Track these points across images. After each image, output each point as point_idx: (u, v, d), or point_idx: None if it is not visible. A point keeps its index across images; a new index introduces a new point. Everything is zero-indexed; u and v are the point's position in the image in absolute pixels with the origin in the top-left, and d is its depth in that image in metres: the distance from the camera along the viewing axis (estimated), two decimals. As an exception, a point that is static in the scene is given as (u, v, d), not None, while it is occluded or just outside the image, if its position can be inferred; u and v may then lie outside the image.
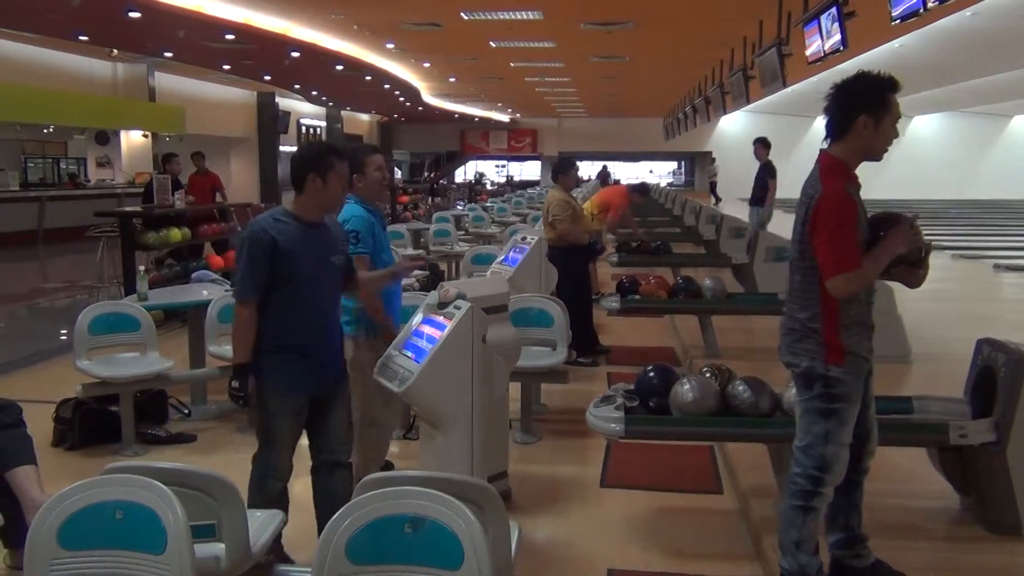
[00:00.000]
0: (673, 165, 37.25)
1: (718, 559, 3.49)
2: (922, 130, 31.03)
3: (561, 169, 7.03)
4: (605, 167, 12.17)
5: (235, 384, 3.08)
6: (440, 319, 3.54)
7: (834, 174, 2.74)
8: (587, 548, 3.65)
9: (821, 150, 2.86)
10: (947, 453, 3.55)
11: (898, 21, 7.03)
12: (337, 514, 2.15)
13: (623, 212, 9.66)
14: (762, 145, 11.22)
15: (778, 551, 2.94)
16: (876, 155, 2.80)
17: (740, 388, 3.58)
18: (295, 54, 14.27)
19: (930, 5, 6.41)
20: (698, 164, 35.21)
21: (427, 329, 3.55)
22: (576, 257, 6.76)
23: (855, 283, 2.70)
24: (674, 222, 15.56)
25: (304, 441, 3.22)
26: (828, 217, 2.67)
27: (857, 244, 2.70)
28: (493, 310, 3.75)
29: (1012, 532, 3.34)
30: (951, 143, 30.56)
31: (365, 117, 32.56)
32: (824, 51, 8.63)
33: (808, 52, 9.04)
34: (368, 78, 18.12)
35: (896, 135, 2.79)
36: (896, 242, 2.77)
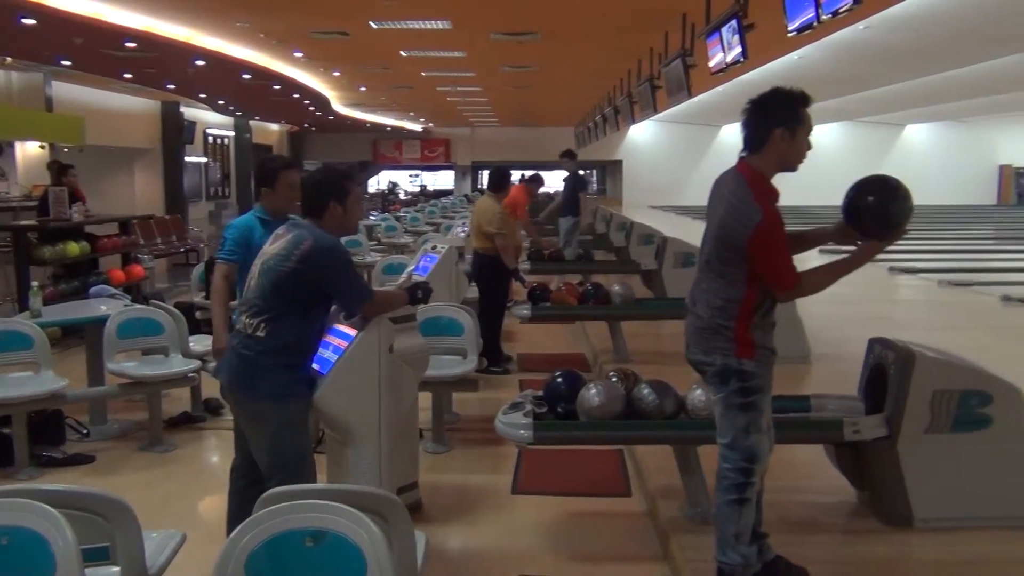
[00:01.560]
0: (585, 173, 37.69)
1: (627, 561, 3.54)
2: (823, 139, 32.14)
3: (498, 179, 7.06)
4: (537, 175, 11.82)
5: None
6: (346, 329, 3.51)
7: (765, 196, 2.85)
8: (498, 555, 3.66)
9: (741, 158, 2.96)
10: (843, 449, 3.68)
11: (795, 33, 7.26)
12: (236, 530, 2.11)
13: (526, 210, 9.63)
14: (569, 158, 11.24)
15: (716, 547, 3.00)
16: (792, 167, 2.93)
17: (645, 391, 3.64)
18: (200, 63, 13.94)
19: (823, 18, 6.64)
20: (609, 172, 35.71)
21: (333, 339, 3.51)
22: (503, 266, 6.80)
23: (805, 293, 2.91)
24: (587, 230, 15.75)
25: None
26: (773, 243, 2.82)
27: (791, 259, 2.87)
28: (401, 319, 3.73)
29: (904, 523, 3.48)
30: (850, 151, 31.73)
31: (274, 127, 32.02)
32: (726, 62, 8.84)
33: (711, 63, 9.26)
34: (276, 87, 17.81)
35: (810, 147, 2.92)
36: (858, 264, 2.94)
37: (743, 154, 2.94)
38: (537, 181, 9.73)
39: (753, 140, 2.89)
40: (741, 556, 2.95)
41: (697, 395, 3.60)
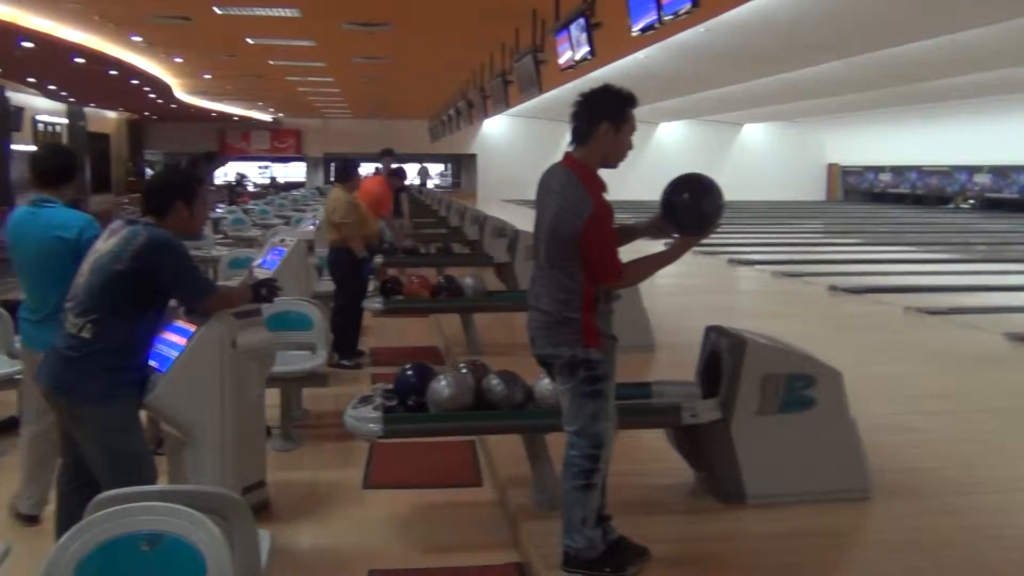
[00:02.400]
0: (440, 167, 37.69)
1: (477, 550, 3.58)
2: (668, 136, 33.41)
3: (346, 170, 6.93)
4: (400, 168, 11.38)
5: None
6: (186, 325, 3.38)
7: (595, 187, 2.95)
8: (349, 551, 3.62)
9: (567, 153, 3.05)
10: (681, 432, 3.85)
11: (639, 33, 7.51)
12: (65, 536, 2.01)
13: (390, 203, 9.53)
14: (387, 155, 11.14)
15: (563, 532, 3.07)
16: (613, 163, 3.02)
17: (494, 382, 3.69)
18: (27, 44, 13.08)
19: (665, 19, 6.89)
20: (464, 166, 35.86)
21: (172, 336, 3.38)
22: (357, 259, 6.69)
23: (627, 284, 3.04)
24: (440, 223, 15.76)
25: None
26: (602, 233, 2.91)
27: (617, 250, 2.97)
28: (245, 314, 3.63)
29: (737, 500, 3.67)
30: (693, 148, 33.11)
31: (112, 114, 30.42)
32: (575, 59, 9.05)
33: (561, 60, 9.45)
34: (113, 73, 16.93)
35: (631, 147, 3.03)
36: (674, 257, 3.08)
37: (570, 148, 3.03)
38: (400, 174, 9.63)
39: (580, 133, 2.99)
40: (587, 539, 3.05)
41: (544, 384, 3.68)
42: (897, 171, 31.24)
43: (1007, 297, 9.86)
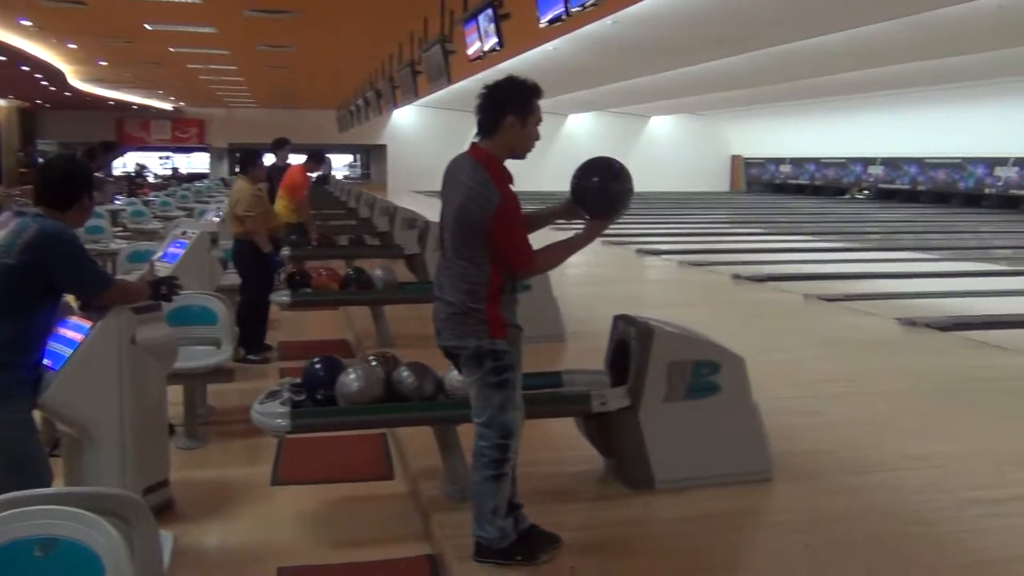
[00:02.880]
0: (349, 158, 37.21)
1: (389, 543, 3.55)
2: (576, 127, 33.71)
3: (250, 161, 6.73)
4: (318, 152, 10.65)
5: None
6: (81, 320, 3.25)
7: (502, 178, 2.95)
8: (257, 549, 3.55)
9: (473, 143, 3.05)
10: (591, 420, 3.89)
11: (547, 24, 7.55)
12: (-51, 546, 1.90)
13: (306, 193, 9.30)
14: (279, 147, 10.84)
15: (474, 523, 3.09)
16: (520, 154, 3.03)
17: (404, 374, 3.66)
18: (-97, 26, 12.36)
19: (572, 11, 6.95)
20: (373, 156, 35.47)
21: (66, 332, 3.24)
22: (261, 250, 6.53)
23: (541, 270, 3.11)
24: (350, 214, 15.56)
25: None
26: (510, 223, 2.92)
27: (527, 238, 2.99)
28: (144, 309, 3.51)
29: (646, 486, 3.73)
30: (601, 139, 33.46)
31: (1, 103, 28.99)
32: (484, 50, 9.04)
33: (469, 51, 9.43)
34: (0, 59, 16.14)
35: (538, 137, 3.03)
36: (586, 242, 3.11)
37: (475, 139, 3.03)
38: (317, 159, 9.35)
39: (486, 125, 2.99)
40: (498, 529, 3.06)
41: (455, 376, 3.66)
42: (796, 163, 32.26)
43: (899, 284, 10.30)
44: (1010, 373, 5.99)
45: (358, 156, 37.12)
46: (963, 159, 24.88)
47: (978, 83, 21.99)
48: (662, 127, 35.47)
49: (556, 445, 4.27)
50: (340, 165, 36.13)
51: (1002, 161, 23.82)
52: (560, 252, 3.09)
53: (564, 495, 3.77)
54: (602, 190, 3.11)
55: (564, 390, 3.89)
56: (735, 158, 35.90)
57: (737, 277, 10.46)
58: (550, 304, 6.73)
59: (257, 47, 15.48)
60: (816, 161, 31.17)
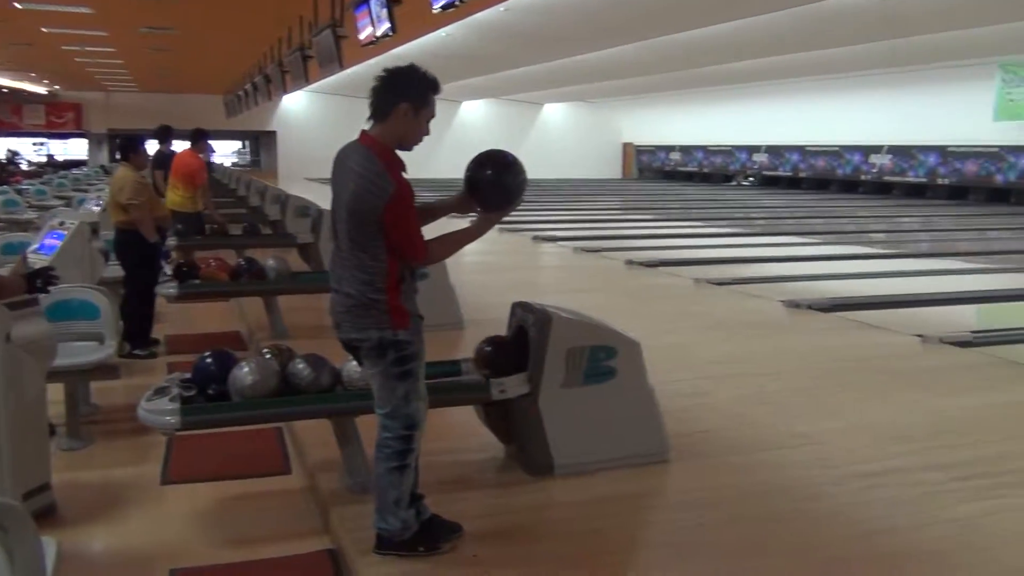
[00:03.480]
0: (237, 144, 36.20)
1: (287, 539, 3.47)
2: (470, 115, 33.68)
3: (132, 147, 6.42)
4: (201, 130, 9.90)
5: None
6: (-52, 319, 3.05)
7: (394, 166, 2.89)
8: (147, 551, 3.41)
9: (363, 131, 2.98)
10: (491, 408, 3.90)
11: (439, 11, 7.50)
12: None
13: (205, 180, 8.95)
14: (161, 138, 10.39)
15: (375, 515, 3.05)
16: (408, 145, 2.95)
17: (300, 366, 3.58)
18: None
19: (465, -3, 6.93)
20: (263, 143, 34.60)
21: (-68, 331, 3.04)
22: (146, 241, 6.26)
23: (434, 261, 3.05)
24: (239, 203, 15.13)
25: None
26: (404, 213, 2.87)
27: (420, 228, 2.94)
28: (19, 304, 3.32)
29: (547, 472, 3.76)
30: (495, 127, 33.56)
31: None
32: (376, 35, 8.92)
33: (361, 36, 9.29)
34: None
35: (428, 132, 2.98)
36: (479, 233, 3.08)
37: (366, 126, 2.97)
38: (203, 136, 8.95)
39: (379, 109, 2.91)
40: (400, 521, 3.03)
41: (352, 366, 3.61)
42: (685, 150, 33.07)
43: (783, 267, 10.70)
44: (887, 351, 6.29)
45: (247, 142, 36.16)
46: (841, 147, 26.02)
47: (855, 74, 23.00)
48: (555, 115, 35.79)
49: (456, 434, 4.26)
50: (228, 152, 35.16)
51: (876, 149, 25.01)
52: (453, 243, 3.06)
53: (465, 483, 3.77)
54: (496, 182, 3.07)
55: (464, 378, 3.88)
56: (627, 145, 36.56)
57: (630, 263, 10.65)
58: (447, 292, 6.71)
59: (139, 30, 14.86)
60: (704, 149, 32.02)
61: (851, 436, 4.43)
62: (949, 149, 23.08)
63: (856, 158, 25.79)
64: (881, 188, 25.02)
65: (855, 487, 3.77)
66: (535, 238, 13.28)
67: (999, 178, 22.02)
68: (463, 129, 32.15)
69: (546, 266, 11.71)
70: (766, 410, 4.88)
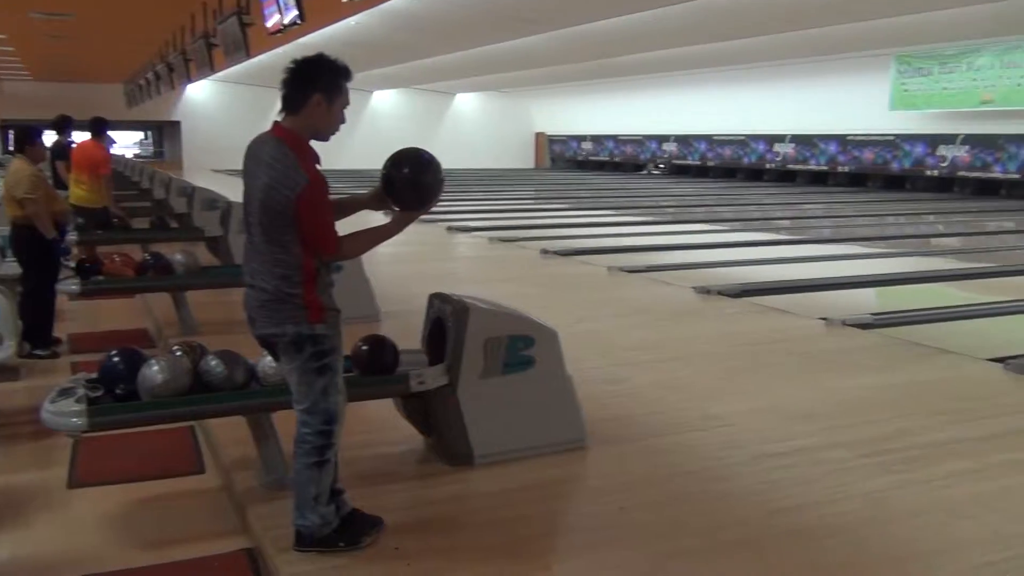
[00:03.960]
0: (139, 135, 35.05)
1: (203, 540, 3.40)
2: (382, 104, 33.35)
3: (28, 138, 6.13)
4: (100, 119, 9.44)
5: None
6: None
7: (309, 158, 2.86)
8: (54, 558, 3.30)
9: (276, 122, 2.93)
10: (410, 400, 3.88)
11: (349, -1, 7.39)
12: None
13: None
14: (58, 128, 10.09)
15: (294, 512, 3.02)
16: (324, 136, 2.91)
17: (213, 363, 3.50)
18: None
19: (375, -14, 6.84)
20: (167, 134, 33.58)
21: None
22: (44, 237, 6.01)
23: (346, 256, 3.02)
24: (143, 195, 14.65)
25: None
26: (318, 205, 2.84)
27: (334, 222, 2.91)
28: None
29: (466, 462, 3.78)
30: (408, 117, 33.33)
31: None
32: (284, 23, 8.76)
33: (268, 24, 9.10)
34: None
35: (344, 120, 2.95)
36: (395, 231, 3.04)
37: (279, 117, 2.92)
38: (103, 126, 8.60)
39: (291, 102, 2.87)
40: (320, 516, 3.00)
41: (267, 362, 3.55)
42: (597, 140, 33.45)
43: (694, 254, 10.95)
44: (793, 334, 6.51)
45: (149, 133, 35.04)
46: (746, 136, 26.72)
47: (759, 66, 23.63)
48: (468, 104, 35.73)
49: (375, 427, 4.24)
50: (130, 143, 34.03)
51: (780, 138, 25.76)
52: (367, 240, 3.03)
53: (385, 476, 3.75)
54: (413, 182, 3.04)
55: (381, 371, 3.86)
56: (539, 135, 36.76)
57: (545, 252, 10.73)
58: (362, 284, 6.65)
59: (30, 14, 14.22)
60: (615, 138, 32.44)
61: (760, 417, 4.57)
62: (848, 138, 23.93)
63: (761, 147, 26.51)
64: (785, 176, 25.80)
65: (765, 467, 3.90)
66: (450, 228, 13.25)
67: (895, 165, 22.95)
68: (374, 119, 31.82)
69: (462, 256, 11.71)
70: (680, 394, 4.99)
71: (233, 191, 11.17)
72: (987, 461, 3.97)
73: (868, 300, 8.50)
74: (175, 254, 6.45)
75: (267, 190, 2.81)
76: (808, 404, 4.80)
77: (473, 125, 35.38)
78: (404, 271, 9.24)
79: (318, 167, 2.88)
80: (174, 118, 31.74)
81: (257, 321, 2.96)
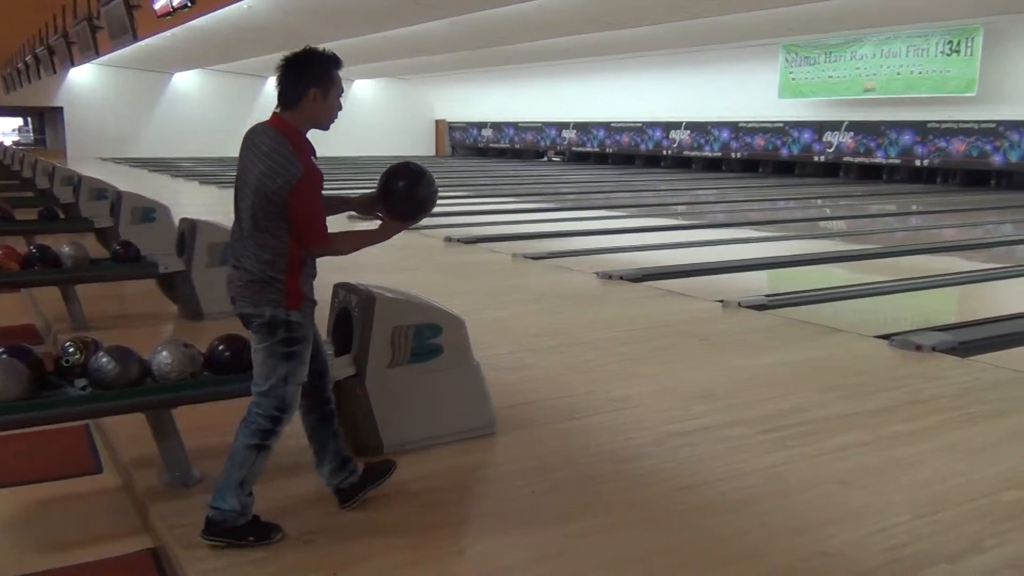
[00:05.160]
0: (18, 121, 33.37)
1: (102, 541, 3.28)
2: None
3: None
4: None
5: None
6: None
7: (304, 151, 2.95)
8: (-58, 568, 3.14)
9: (275, 113, 3.01)
10: (318, 392, 3.83)
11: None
12: None
13: None
14: None
15: (213, 495, 3.00)
16: (324, 125, 3.03)
17: (104, 360, 3.37)
18: None
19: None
20: (48, 120, 32.05)
21: None
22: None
23: (332, 252, 3.07)
24: (25, 185, 13.96)
25: None
26: (311, 197, 2.93)
27: (324, 218, 2.99)
28: None
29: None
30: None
31: None
32: (173, 5, 8.48)
33: (157, 6, 8.78)
34: None
35: (340, 108, 3.05)
36: (382, 238, 3.20)
37: (277, 109, 3.00)
38: None
39: (287, 97, 2.97)
40: (240, 503, 2.98)
41: (163, 357, 3.44)
42: (497, 127, 33.55)
43: (595, 240, 11.11)
44: (692, 317, 6.70)
45: (29, 119, 33.40)
46: (644, 123, 27.24)
47: (655, 53, 24.08)
48: (366, 91, 35.31)
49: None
50: (8, 129, 32.39)
51: (676, 125, 26.36)
52: (356, 240, 3.15)
53: (292, 470, 3.67)
54: (408, 193, 3.17)
55: (287, 363, 3.79)
56: (439, 122, 36.63)
57: (449, 239, 10.72)
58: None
59: None
60: (515, 125, 32.59)
61: (663, 398, 4.69)
62: (740, 125, 24.68)
63: (657, 134, 27.08)
64: (681, 162, 26.44)
65: (669, 446, 4.01)
66: (351, 217, 13.04)
67: (784, 152, 23.81)
68: (268, 107, 31.14)
69: (364, 245, 11.56)
70: (586, 378, 5.07)
71: (123, 180, 10.76)
72: (877, 433, 4.17)
73: (762, 282, 8.81)
74: (63, 246, 6.18)
75: (262, 179, 2.88)
76: (709, 384, 4.95)
77: (372, 112, 34.97)
78: (305, 261, 9.07)
79: (314, 159, 2.97)
80: (56, 104, 30.30)
81: (238, 300, 3.02)
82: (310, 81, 2.94)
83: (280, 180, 2.86)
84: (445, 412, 3.94)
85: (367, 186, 16.79)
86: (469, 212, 14.35)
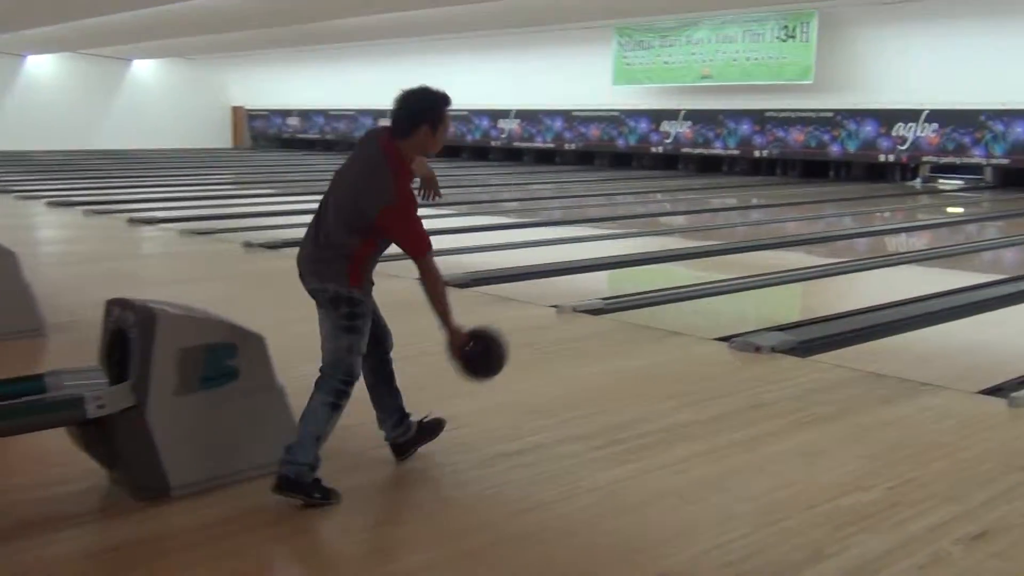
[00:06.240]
0: None
1: None
2: (39, 71, 30.74)
3: None
4: None
5: None
6: None
7: (402, 177, 3.66)
8: None
9: (390, 134, 3.70)
10: (88, 427, 3.64)
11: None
12: None
13: None
14: None
15: (284, 454, 3.54)
16: (429, 153, 3.79)
17: None
18: None
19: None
20: None
21: None
22: None
23: (429, 270, 3.75)
24: None
25: None
26: (403, 218, 3.64)
27: (423, 228, 3.72)
28: None
29: (162, 493, 3.61)
30: (73, 87, 30.99)
31: None
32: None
33: None
34: None
35: (446, 138, 3.83)
36: (445, 326, 3.92)
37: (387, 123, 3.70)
38: None
39: (401, 128, 3.67)
40: (313, 458, 3.54)
41: None
42: (304, 115, 33.00)
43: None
44: (524, 324, 6.82)
45: None
46: (469, 111, 27.49)
47: (477, 34, 24.40)
48: (148, 73, 33.86)
49: (45, 463, 3.95)
50: None
51: (505, 114, 26.79)
52: (442, 289, 3.83)
53: (60, 521, 3.49)
54: (492, 357, 4.09)
55: (50, 396, 3.58)
56: (236, 110, 35.63)
57: (249, 245, 10.46)
58: (19, 292, 6.12)
59: None
60: (325, 114, 32.17)
61: (490, 416, 4.76)
62: (574, 114, 25.39)
63: (485, 123, 27.44)
64: (511, 154, 26.90)
65: (499, 468, 4.07)
66: (131, 220, 12.53)
67: (620, 142, 24.68)
68: (29, 89, 29.36)
69: (147, 254, 11.11)
70: (408, 397, 5.04)
71: None
72: (716, 442, 4.40)
73: (600, 284, 9.10)
74: None
75: (356, 191, 3.63)
76: (542, 397, 5.07)
77: (155, 97, 33.54)
78: (76, 273, 8.65)
79: (411, 184, 3.69)
80: None
81: (306, 276, 3.73)
82: (424, 118, 3.66)
83: (372, 200, 3.58)
84: (243, 444, 3.84)
85: (153, 183, 16.07)
86: (273, 213, 14.03)
